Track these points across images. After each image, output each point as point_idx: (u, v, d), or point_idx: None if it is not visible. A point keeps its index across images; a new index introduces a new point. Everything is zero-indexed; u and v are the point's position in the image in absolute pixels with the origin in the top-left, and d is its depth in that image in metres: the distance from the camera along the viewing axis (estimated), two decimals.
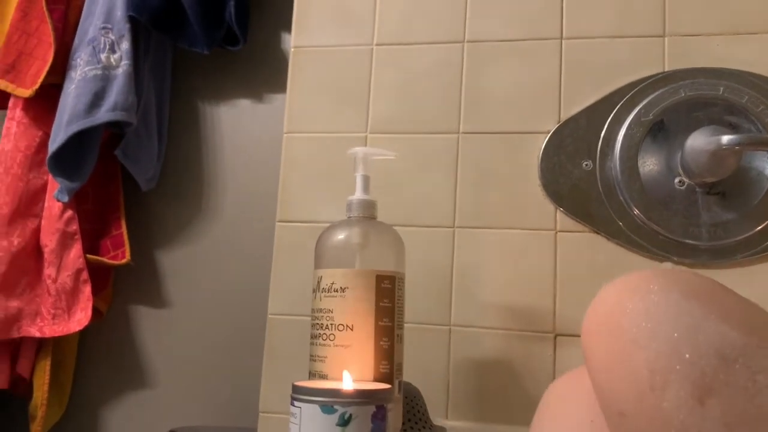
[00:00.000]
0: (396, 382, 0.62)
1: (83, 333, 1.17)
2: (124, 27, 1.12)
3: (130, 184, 1.20)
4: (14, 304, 1.12)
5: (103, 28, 1.12)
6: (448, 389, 0.77)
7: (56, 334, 1.11)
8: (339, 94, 0.86)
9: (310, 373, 0.62)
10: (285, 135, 0.86)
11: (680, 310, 0.41)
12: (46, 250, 1.14)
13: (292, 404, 0.54)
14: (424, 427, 0.68)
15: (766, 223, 0.71)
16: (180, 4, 1.12)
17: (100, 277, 1.18)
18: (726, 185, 0.72)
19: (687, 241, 0.73)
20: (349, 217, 0.66)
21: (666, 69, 0.77)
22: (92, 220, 1.20)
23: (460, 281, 0.79)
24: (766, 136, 0.70)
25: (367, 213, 0.66)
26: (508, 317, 0.77)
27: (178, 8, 1.13)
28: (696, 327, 0.40)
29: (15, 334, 1.12)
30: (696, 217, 0.72)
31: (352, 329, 0.60)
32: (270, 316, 0.83)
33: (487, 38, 0.83)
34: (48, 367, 1.13)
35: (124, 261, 1.16)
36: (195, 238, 1.18)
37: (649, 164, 0.74)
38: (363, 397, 0.53)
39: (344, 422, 0.52)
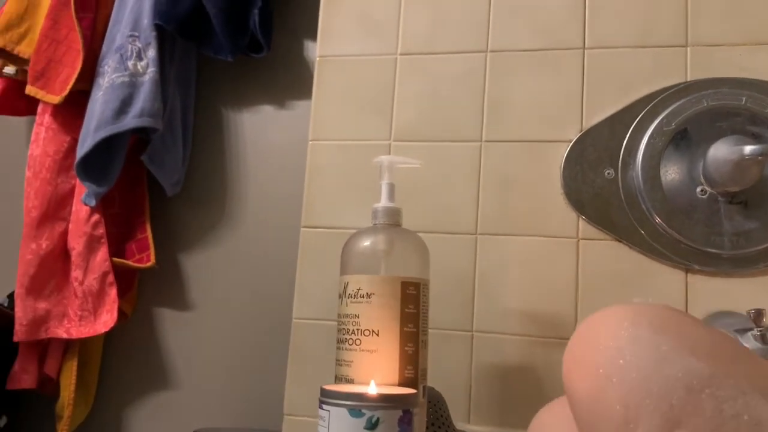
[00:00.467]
0: (420, 387, 0.63)
1: (108, 334, 1.19)
2: (150, 35, 1.14)
3: (156, 188, 1.22)
4: (42, 305, 1.15)
5: (131, 35, 1.14)
6: (470, 394, 0.78)
7: (83, 336, 1.14)
8: (363, 103, 0.87)
9: (336, 376, 0.63)
10: (310, 142, 0.88)
11: (649, 345, 0.42)
12: (74, 253, 1.16)
13: (321, 407, 0.56)
14: (447, 431, 0.69)
15: None
16: (205, 13, 1.14)
17: (125, 279, 1.20)
18: (748, 195, 0.72)
19: (709, 249, 0.73)
20: (375, 224, 0.67)
21: (688, 79, 0.78)
22: (118, 224, 1.22)
23: (482, 288, 0.80)
24: None
25: (393, 220, 0.67)
26: (530, 324, 0.78)
27: (204, 16, 1.15)
28: (663, 360, 0.41)
29: (43, 335, 1.14)
30: (718, 226, 0.73)
31: (377, 334, 0.62)
32: (295, 320, 0.84)
33: (510, 48, 0.84)
34: (75, 368, 1.16)
35: (149, 264, 1.18)
36: (219, 243, 1.20)
37: (671, 173, 0.75)
38: (390, 401, 0.54)
39: (372, 426, 0.53)
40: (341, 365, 0.63)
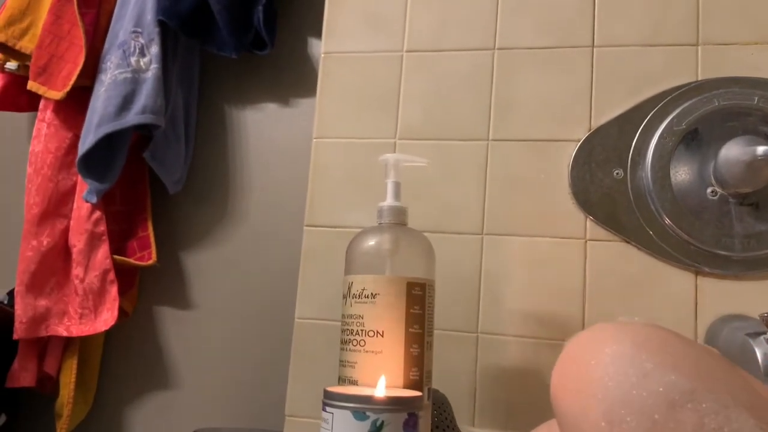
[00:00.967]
0: (425, 389, 0.62)
1: (109, 333, 1.18)
2: (153, 31, 1.13)
3: (158, 186, 1.21)
4: (43, 303, 1.14)
5: (134, 32, 1.14)
6: (474, 396, 0.77)
7: (83, 334, 1.13)
8: (368, 100, 0.86)
9: (339, 378, 0.62)
10: (314, 140, 0.87)
11: (631, 362, 0.42)
12: (75, 251, 1.15)
13: (324, 410, 0.55)
14: None
15: None
16: (209, 9, 1.13)
17: (126, 277, 1.19)
18: (760, 196, 0.71)
19: (719, 252, 0.72)
20: (380, 224, 0.66)
21: (699, 78, 0.76)
22: (120, 222, 1.21)
23: (488, 288, 0.79)
24: None
25: (398, 219, 0.66)
26: (536, 325, 0.77)
27: (207, 13, 1.14)
28: (645, 376, 0.41)
29: (43, 333, 1.13)
30: (729, 227, 0.72)
31: (382, 335, 0.61)
32: (297, 320, 0.83)
33: (518, 45, 0.83)
34: (75, 366, 1.15)
35: (150, 262, 1.17)
36: (221, 241, 1.19)
37: (681, 174, 0.74)
38: (395, 404, 0.53)
39: (376, 429, 0.52)
40: (345, 366, 0.62)
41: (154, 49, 1.12)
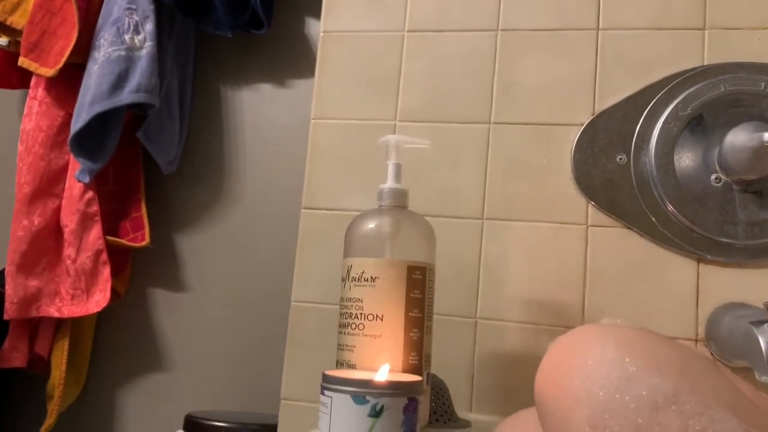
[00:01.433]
0: (424, 374, 0.61)
1: (101, 314, 1.17)
2: (148, 8, 1.11)
3: (151, 166, 1.19)
4: (34, 283, 1.12)
5: (128, 8, 1.11)
6: (472, 382, 0.77)
7: (75, 315, 1.11)
8: (368, 81, 0.84)
9: (337, 362, 0.61)
10: (312, 121, 0.85)
11: (615, 365, 0.42)
12: (66, 231, 1.14)
13: (323, 393, 0.54)
14: (449, 420, 0.67)
15: None
16: None
17: (119, 258, 1.18)
18: (764, 184, 0.70)
19: (722, 239, 0.71)
20: (380, 206, 0.65)
21: (705, 63, 0.75)
22: (112, 202, 1.20)
23: (487, 274, 0.78)
24: None
25: (399, 202, 0.64)
26: (535, 311, 0.76)
27: None
28: (629, 380, 0.41)
29: (34, 314, 1.12)
30: (732, 215, 0.71)
31: (381, 319, 0.60)
32: (294, 303, 0.82)
33: (521, 27, 0.81)
34: (66, 347, 1.14)
35: (143, 243, 1.16)
36: (215, 223, 1.18)
37: (685, 160, 0.73)
38: (395, 388, 0.52)
39: (376, 413, 0.51)
40: (343, 350, 0.61)
41: (149, 26, 1.10)
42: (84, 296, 1.12)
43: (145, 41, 1.11)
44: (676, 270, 0.73)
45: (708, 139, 0.72)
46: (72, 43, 1.11)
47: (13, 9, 1.17)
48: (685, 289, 0.73)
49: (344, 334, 0.61)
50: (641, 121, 0.75)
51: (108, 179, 1.19)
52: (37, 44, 1.13)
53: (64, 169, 1.17)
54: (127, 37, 1.10)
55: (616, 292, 0.74)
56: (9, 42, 1.20)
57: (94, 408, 1.19)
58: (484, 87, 0.81)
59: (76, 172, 1.12)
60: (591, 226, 0.76)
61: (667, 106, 0.74)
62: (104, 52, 1.10)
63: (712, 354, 0.70)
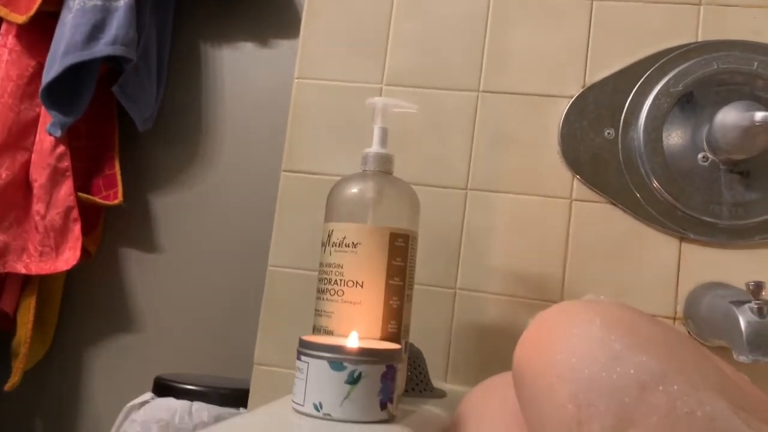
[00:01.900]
0: (403, 343, 0.60)
1: (70, 273, 1.14)
2: None
3: (127, 123, 1.15)
4: (0, 238, 1.09)
5: None
6: (449, 353, 0.76)
7: (43, 272, 1.08)
8: (355, 42, 0.82)
9: (314, 327, 0.60)
10: (296, 81, 0.82)
11: (601, 343, 0.41)
12: (36, 185, 1.10)
13: (299, 358, 0.52)
14: (425, 389, 0.66)
15: None
16: None
17: (90, 216, 1.15)
18: (751, 164, 0.70)
19: (706, 218, 0.71)
20: (364, 171, 0.63)
21: (699, 39, 0.74)
22: (85, 158, 1.16)
23: (469, 244, 0.77)
24: None
25: (384, 167, 0.63)
26: (515, 284, 0.75)
27: None
28: (615, 358, 0.40)
29: (0, 270, 1.09)
30: (717, 194, 0.70)
31: (362, 286, 0.58)
32: (270, 268, 0.81)
33: None
34: (33, 305, 1.11)
35: (116, 202, 1.13)
36: (192, 183, 1.15)
37: (673, 137, 0.72)
38: (374, 356, 0.51)
39: (353, 380, 0.50)
40: (321, 316, 0.60)
41: None
42: (53, 254, 1.09)
43: None
44: (658, 247, 0.73)
45: (698, 116, 0.72)
46: None
47: None
48: (666, 267, 0.72)
49: (322, 299, 0.60)
50: (631, 95, 0.74)
51: (81, 134, 1.15)
52: None
53: (35, 121, 1.13)
54: None
55: (597, 268, 0.74)
56: None
57: (61, 368, 1.17)
58: (475, 53, 0.79)
59: (48, 126, 1.08)
60: (575, 200, 0.75)
61: (658, 81, 0.73)
62: (79, 0, 1.06)
63: (689, 333, 0.70)
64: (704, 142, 0.71)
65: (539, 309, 0.73)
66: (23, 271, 1.09)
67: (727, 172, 0.71)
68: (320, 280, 0.61)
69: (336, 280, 0.59)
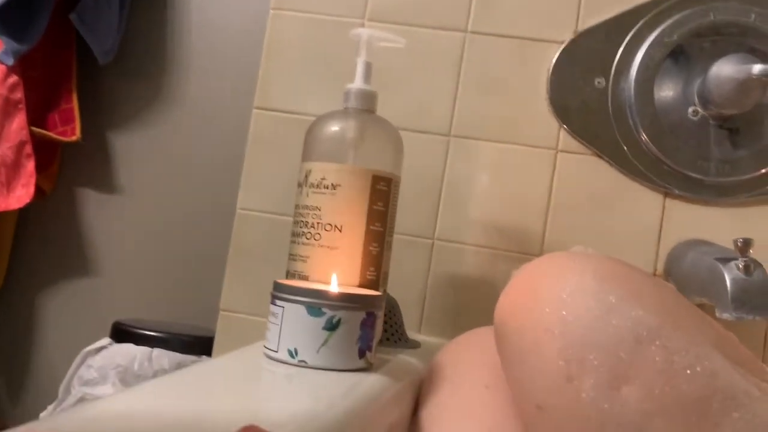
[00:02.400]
0: (381, 291, 0.57)
1: (23, 212, 1.09)
2: None
3: (86, 55, 1.09)
4: None
5: None
6: (424, 304, 0.74)
7: None
8: None
9: (288, 272, 0.57)
10: (271, 11, 0.77)
11: (593, 295, 0.39)
12: None
13: (274, 303, 0.49)
14: (399, 340, 0.64)
15: None
16: None
17: (45, 153, 1.09)
18: (741, 121, 0.68)
19: (692, 174, 0.69)
20: (346, 108, 0.59)
21: None
22: (39, 90, 1.09)
23: (449, 193, 0.74)
24: None
25: (367, 105, 0.59)
26: (494, 235, 0.73)
27: None
28: (609, 311, 0.38)
29: None
30: (705, 150, 0.69)
31: (340, 230, 0.55)
32: (239, 211, 0.77)
33: None
34: None
35: (73, 138, 1.07)
36: (155, 120, 1.09)
37: (664, 89, 0.70)
38: (354, 301, 0.48)
39: (332, 327, 0.47)
40: (296, 260, 0.56)
41: None
42: (4, 190, 1.03)
43: None
44: (642, 202, 0.71)
45: (691, 69, 0.69)
46: None
47: None
48: (649, 222, 0.71)
49: (298, 243, 0.57)
50: (624, 44, 0.71)
51: (35, 64, 1.08)
52: None
53: None
54: None
55: (579, 222, 0.72)
56: None
57: (13, 311, 1.12)
58: None
59: None
60: (561, 151, 0.73)
61: (652, 30, 0.71)
62: None
63: None
64: (695, 96, 0.69)
65: (518, 262, 0.71)
66: None
67: (717, 128, 0.69)
68: (296, 222, 0.57)
69: (313, 224, 0.56)
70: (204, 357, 0.92)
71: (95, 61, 1.08)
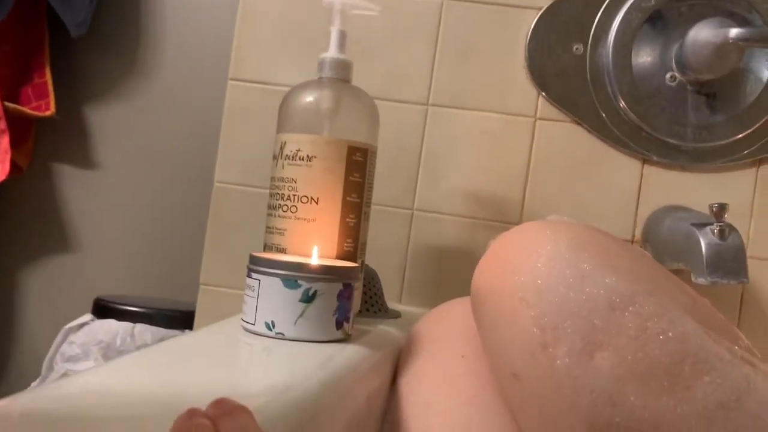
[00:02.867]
0: (359, 262, 0.57)
1: None
2: None
3: (58, 27, 1.06)
4: None
5: None
6: (404, 274, 0.74)
7: None
8: None
9: (265, 245, 0.57)
10: None
11: (567, 263, 0.40)
12: None
13: (250, 276, 0.49)
14: (379, 310, 0.65)
15: (751, 129, 0.69)
16: None
17: (19, 128, 1.06)
18: (719, 86, 0.68)
19: (670, 140, 0.69)
20: (321, 78, 0.58)
21: None
22: (11, 64, 1.07)
23: (428, 163, 0.74)
24: None
25: (342, 75, 0.58)
26: (474, 205, 0.73)
27: None
28: (583, 279, 0.39)
29: None
30: (683, 116, 0.69)
31: (317, 202, 0.55)
32: (217, 184, 0.76)
33: None
34: None
35: (48, 113, 1.05)
36: (131, 93, 1.07)
37: (642, 55, 0.69)
38: (330, 273, 0.48)
39: (308, 299, 0.47)
40: (272, 233, 0.56)
41: None
42: None
43: None
44: (620, 169, 0.71)
45: (668, 34, 0.69)
46: None
47: None
48: (628, 189, 0.71)
49: (274, 216, 0.56)
50: (602, 9, 0.71)
51: (6, 38, 1.05)
52: None
53: None
54: None
55: (558, 189, 0.72)
56: None
57: None
58: None
59: None
60: (539, 119, 0.73)
61: None
62: None
63: None
64: (673, 61, 0.69)
65: (497, 231, 0.71)
66: None
67: (694, 93, 0.69)
68: (272, 195, 0.57)
69: (289, 196, 0.55)
70: (187, 331, 0.91)
71: (68, 34, 1.06)
